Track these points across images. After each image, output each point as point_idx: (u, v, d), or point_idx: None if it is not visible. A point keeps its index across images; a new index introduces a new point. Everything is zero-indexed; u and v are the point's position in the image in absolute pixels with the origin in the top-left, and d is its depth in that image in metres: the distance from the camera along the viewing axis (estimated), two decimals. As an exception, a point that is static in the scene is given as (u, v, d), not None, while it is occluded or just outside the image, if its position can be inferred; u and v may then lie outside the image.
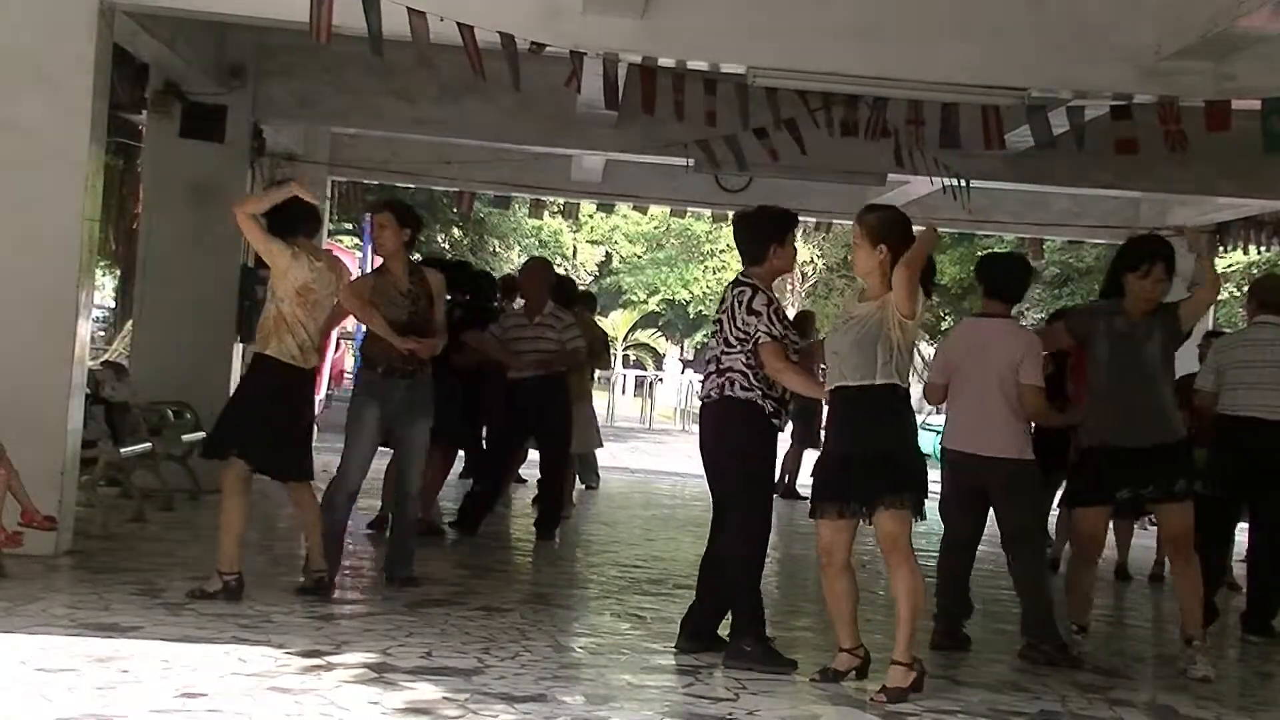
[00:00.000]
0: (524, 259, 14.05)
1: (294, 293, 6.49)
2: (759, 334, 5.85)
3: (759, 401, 5.89)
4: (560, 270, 34.08)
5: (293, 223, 6.59)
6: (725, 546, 6.00)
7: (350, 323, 12.77)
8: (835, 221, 15.35)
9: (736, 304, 5.93)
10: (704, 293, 39.34)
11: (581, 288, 14.18)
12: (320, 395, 15.01)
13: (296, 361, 6.51)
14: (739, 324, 5.89)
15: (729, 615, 6.03)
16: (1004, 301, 6.68)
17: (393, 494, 8.09)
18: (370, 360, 7.18)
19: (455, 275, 8.91)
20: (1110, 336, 6.50)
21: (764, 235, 6.07)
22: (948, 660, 6.28)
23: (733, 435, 5.96)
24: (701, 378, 6.19)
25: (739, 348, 5.89)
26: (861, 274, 5.67)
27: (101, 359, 13.85)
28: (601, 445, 12.10)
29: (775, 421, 5.96)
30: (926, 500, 5.54)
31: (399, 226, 7.09)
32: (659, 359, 46.09)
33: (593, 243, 40.98)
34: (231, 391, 10.64)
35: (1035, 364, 6.46)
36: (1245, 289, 20.83)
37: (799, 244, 28.13)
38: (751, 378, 5.89)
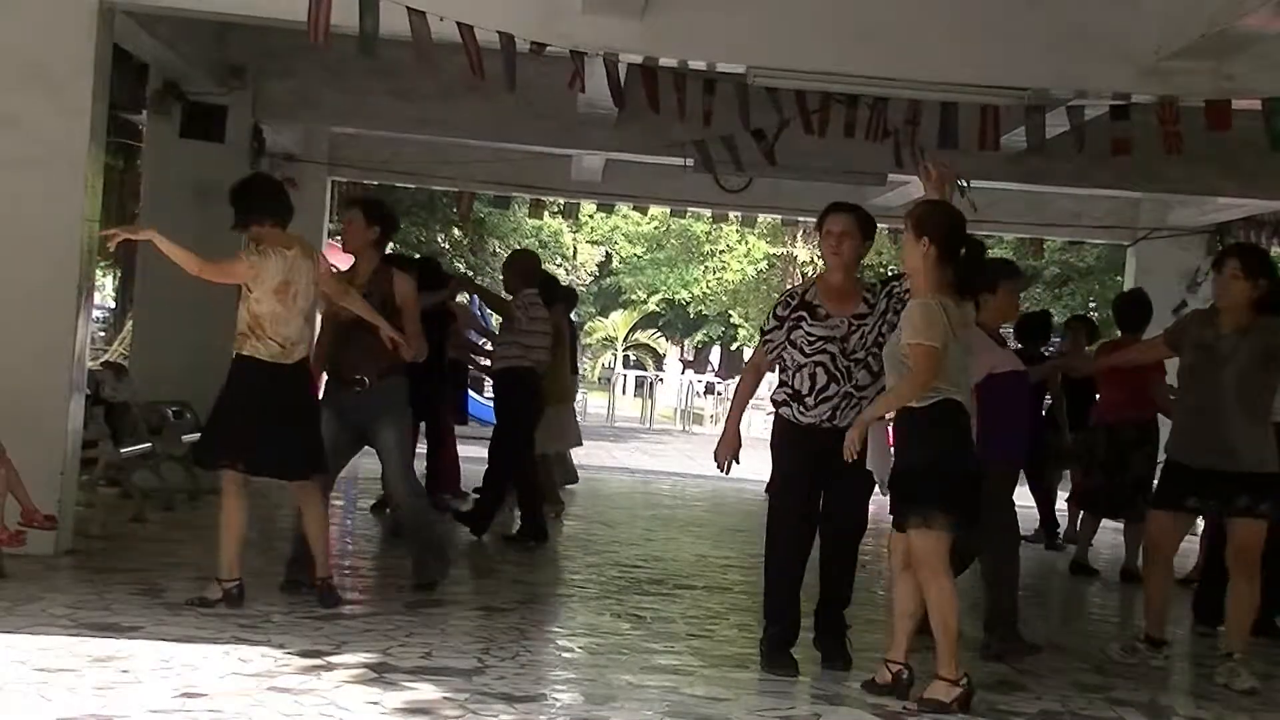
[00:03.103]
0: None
1: (271, 292, 6.33)
2: None
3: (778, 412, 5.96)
4: (557, 270, 33.98)
5: (256, 209, 6.45)
6: None
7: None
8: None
9: None
10: (704, 293, 39.37)
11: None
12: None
13: (279, 358, 6.36)
14: None
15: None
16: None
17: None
18: (326, 367, 7.05)
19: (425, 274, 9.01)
20: (1196, 345, 6.44)
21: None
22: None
23: None
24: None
25: None
26: (908, 271, 5.57)
27: (101, 359, 13.86)
28: (577, 444, 11.63)
29: (793, 425, 5.91)
30: (957, 517, 5.33)
31: (366, 224, 6.97)
32: (659, 359, 46.08)
33: (593, 243, 40.97)
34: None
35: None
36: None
37: (799, 245, 27.92)
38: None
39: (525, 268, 9.61)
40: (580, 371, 11.85)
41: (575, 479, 12.65)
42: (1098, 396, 9.65)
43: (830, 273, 6.01)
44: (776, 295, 35.82)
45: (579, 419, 11.72)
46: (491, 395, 9.29)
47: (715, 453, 6.07)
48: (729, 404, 7.03)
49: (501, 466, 9.17)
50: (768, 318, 6.06)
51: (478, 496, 9.47)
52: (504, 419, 9.20)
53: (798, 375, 5.83)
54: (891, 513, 5.49)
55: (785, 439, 5.95)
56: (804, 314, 5.86)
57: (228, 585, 6.26)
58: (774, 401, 5.98)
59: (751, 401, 6.51)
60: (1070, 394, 10.37)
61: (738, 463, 6.03)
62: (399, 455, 7.01)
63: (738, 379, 6.00)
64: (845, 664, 5.88)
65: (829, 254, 5.98)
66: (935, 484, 5.33)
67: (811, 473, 5.82)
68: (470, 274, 15.03)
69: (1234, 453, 6.25)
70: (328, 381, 6.97)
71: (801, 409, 5.83)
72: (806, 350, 5.81)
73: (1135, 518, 8.97)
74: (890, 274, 6.05)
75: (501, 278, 9.88)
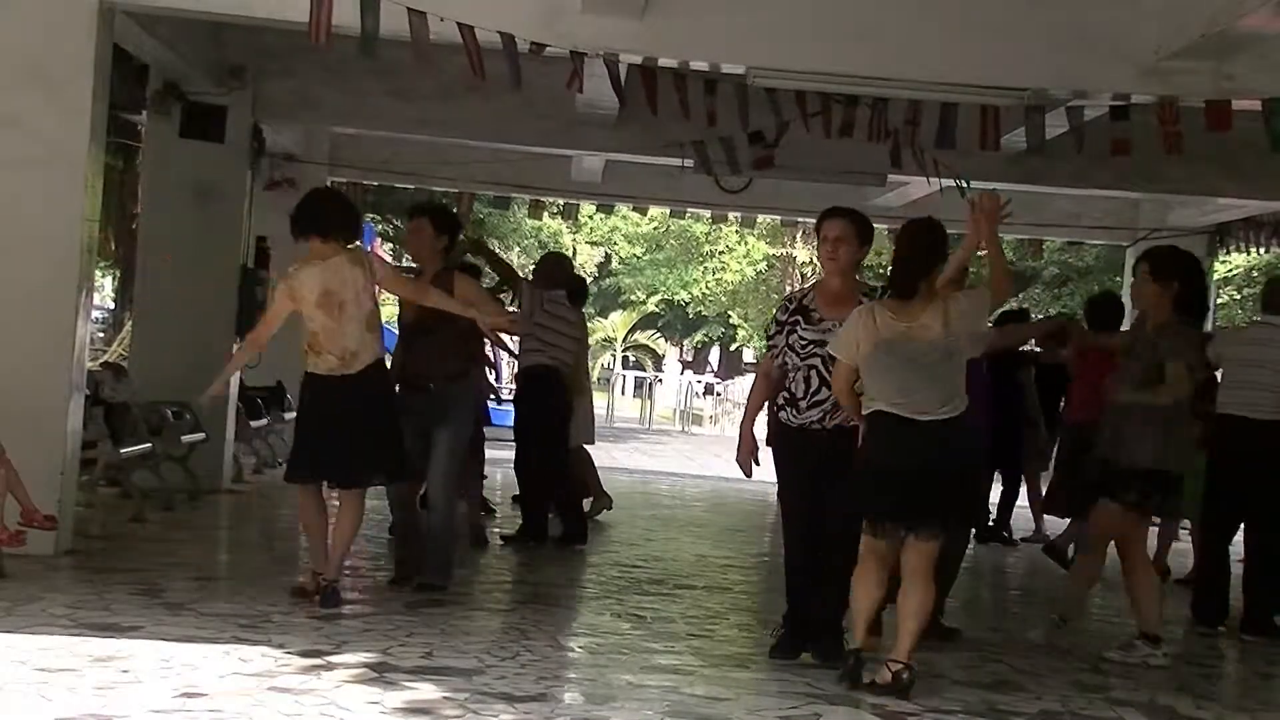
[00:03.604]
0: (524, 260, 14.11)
1: (315, 306, 6.34)
2: None
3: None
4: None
5: (299, 224, 6.49)
6: None
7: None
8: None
9: None
10: (703, 294, 39.37)
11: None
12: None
13: (338, 370, 6.39)
14: None
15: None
16: None
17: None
18: (397, 371, 7.18)
19: None
20: (1125, 344, 6.84)
21: None
22: (947, 659, 6.27)
23: None
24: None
25: None
26: None
27: (101, 359, 13.85)
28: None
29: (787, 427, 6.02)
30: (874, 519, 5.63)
31: (435, 234, 7.10)
32: (658, 360, 46.10)
33: (592, 243, 40.96)
34: (234, 392, 10.74)
35: None
36: (1242, 291, 20.94)
37: (799, 246, 27.87)
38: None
39: (552, 268, 9.67)
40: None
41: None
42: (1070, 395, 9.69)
43: (827, 278, 6.06)
44: (776, 296, 36.05)
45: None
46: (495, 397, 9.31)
47: (737, 460, 6.13)
48: (729, 405, 7.06)
49: (546, 470, 9.25)
50: (770, 324, 6.13)
51: (562, 515, 9.43)
52: (522, 418, 9.24)
53: (794, 379, 5.89)
54: None
55: (780, 440, 6.02)
56: (799, 318, 5.92)
57: (323, 580, 6.48)
58: (775, 405, 6.02)
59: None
60: (1041, 395, 10.42)
61: (758, 464, 6.07)
62: (447, 458, 7.04)
63: (750, 386, 6.11)
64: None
65: (825, 259, 6.04)
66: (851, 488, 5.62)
67: (810, 471, 5.86)
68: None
69: (1119, 449, 6.54)
70: (399, 386, 7.03)
71: (795, 412, 5.90)
72: (801, 354, 5.87)
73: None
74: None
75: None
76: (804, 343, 5.87)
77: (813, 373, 5.84)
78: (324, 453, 6.45)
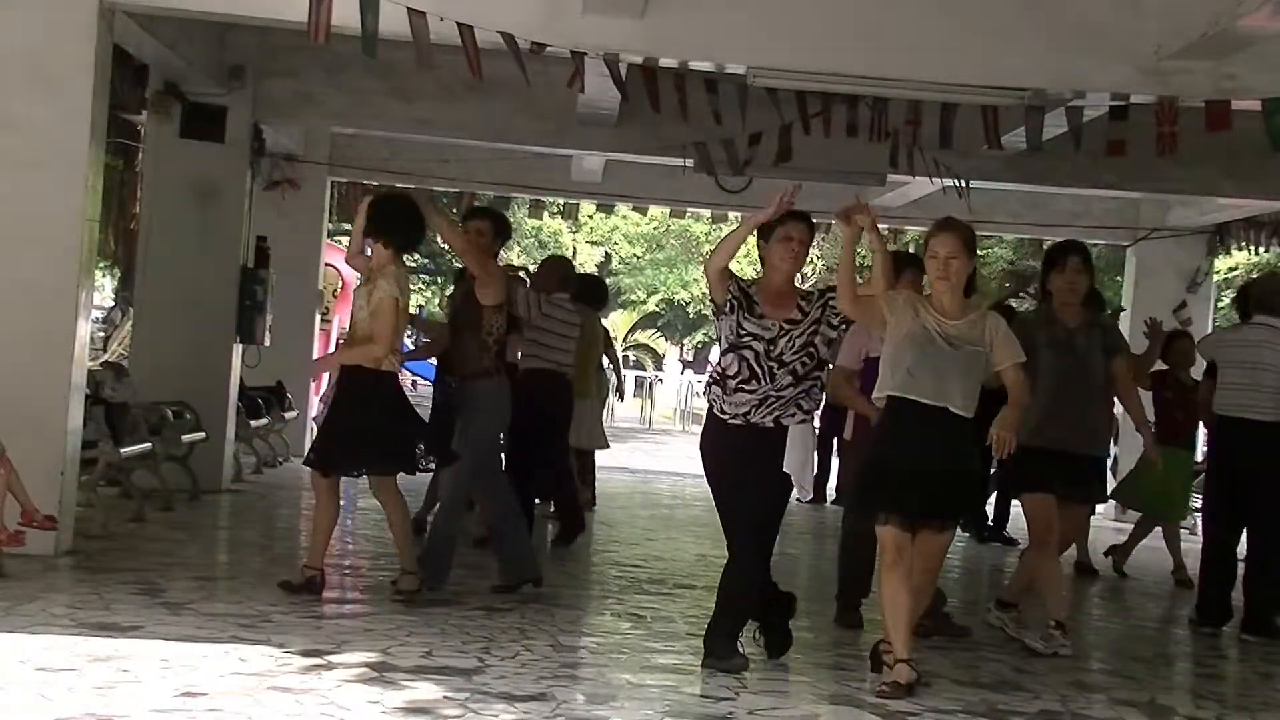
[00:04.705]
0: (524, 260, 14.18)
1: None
2: None
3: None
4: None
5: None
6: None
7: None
8: (835, 222, 15.32)
9: None
10: (703, 293, 39.34)
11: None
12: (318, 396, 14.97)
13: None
14: None
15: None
16: None
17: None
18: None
19: None
20: (1052, 345, 6.77)
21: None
22: (947, 659, 6.28)
23: None
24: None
25: None
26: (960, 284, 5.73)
27: (101, 359, 13.85)
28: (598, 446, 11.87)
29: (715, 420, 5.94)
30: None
31: (494, 236, 7.40)
32: (658, 359, 46.08)
33: (592, 243, 40.95)
34: (233, 391, 10.72)
35: None
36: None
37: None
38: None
39: (550, 271, 9.57)
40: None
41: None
42: None
43: (775, 275, 5.97)
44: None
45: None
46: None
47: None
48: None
49: (552, 469, 9.27)
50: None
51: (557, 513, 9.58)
52: (516, 420, 9.21)
53: (725, 357, 5.83)
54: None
55: (706, 437, 5.93)
56: (744, 301, 5.85)
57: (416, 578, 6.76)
58: (709, 381, 5.95)
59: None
60: None
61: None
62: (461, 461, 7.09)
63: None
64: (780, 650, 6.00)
65: (786, 258, 5.97)
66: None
67: (738, 471, 5.75)
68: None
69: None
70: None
71: (723, 391, 5.79)
72: (738, 341, 5.78)
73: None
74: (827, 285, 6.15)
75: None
76: (743, 332, 5.78)
77: (743, 363, 5.74)
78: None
